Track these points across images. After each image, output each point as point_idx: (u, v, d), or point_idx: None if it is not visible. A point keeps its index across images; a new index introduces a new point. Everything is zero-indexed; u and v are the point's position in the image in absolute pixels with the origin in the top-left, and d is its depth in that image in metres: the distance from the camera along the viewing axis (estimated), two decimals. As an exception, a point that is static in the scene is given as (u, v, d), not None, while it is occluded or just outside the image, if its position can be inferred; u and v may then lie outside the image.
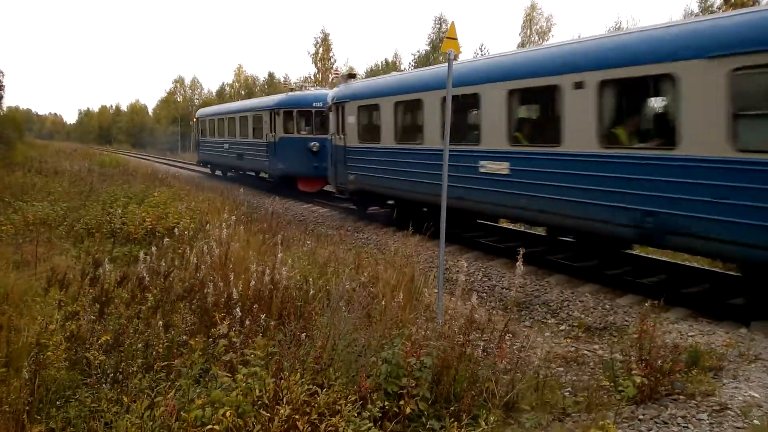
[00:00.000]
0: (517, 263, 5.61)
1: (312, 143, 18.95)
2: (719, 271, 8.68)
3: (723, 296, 7.52)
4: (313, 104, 19.42)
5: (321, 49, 49.58)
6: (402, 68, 45.26)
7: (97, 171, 20.87)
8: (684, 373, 4.96)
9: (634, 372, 4.73)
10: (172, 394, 3.64)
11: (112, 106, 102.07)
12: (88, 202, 11.92)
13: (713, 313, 7.11)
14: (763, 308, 6.77)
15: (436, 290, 6.86)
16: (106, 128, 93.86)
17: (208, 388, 3.75)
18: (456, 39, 6.78)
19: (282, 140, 19.73)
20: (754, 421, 4.18)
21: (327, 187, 18.98)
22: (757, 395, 4.67)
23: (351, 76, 16.34)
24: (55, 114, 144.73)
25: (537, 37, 41.15)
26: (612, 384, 5.01)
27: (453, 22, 6.79)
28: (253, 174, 25.28)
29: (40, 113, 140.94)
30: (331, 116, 15.64)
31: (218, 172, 29.78)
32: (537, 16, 41.30)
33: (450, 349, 4.70)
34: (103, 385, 3.83)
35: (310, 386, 3.96)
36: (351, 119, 14.41)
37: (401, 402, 4.07)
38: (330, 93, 16.53)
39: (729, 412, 4.38)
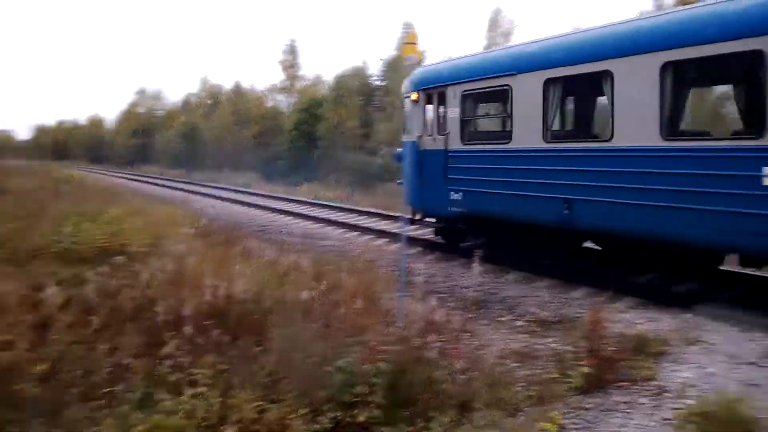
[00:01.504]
0: (474, 264, 5.76)
1: None
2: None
3: (669, 284, 7.77)
4: None
5: (290, 56, 50.71)
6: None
7: (50, 188, 20.18)
8: (630, 360, 5.13)
9: (581, 363, 4.86)
10: (110, 422, 3.55)
11: (68, 122, 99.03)
12: (36, 222, 11.49)
13: (661, 301, 7.34)
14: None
15: (397, 294, 6.90)
16: (62, 143, 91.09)
17: (150, 413, 3.68)
18: (416, 44, 7.19)
19: None
20: (688, 401, 4.35)
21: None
22: (691, 375, 4.89)
23: None
24: (5, 131, 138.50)
25: (502, 39, 41.97)
26: (562, 375, 5.13)
27: (414, 31, 7.26)
28: None
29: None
30: None
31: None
32: (500, 19, 42.25)
33: (406, 353, 4.73)
34: (33, 420, 3.65)
35: (261, 403, 3.94)
36: None
37: (355, 411, 4.08)
38: None
39: (667, 394, 4.56)
